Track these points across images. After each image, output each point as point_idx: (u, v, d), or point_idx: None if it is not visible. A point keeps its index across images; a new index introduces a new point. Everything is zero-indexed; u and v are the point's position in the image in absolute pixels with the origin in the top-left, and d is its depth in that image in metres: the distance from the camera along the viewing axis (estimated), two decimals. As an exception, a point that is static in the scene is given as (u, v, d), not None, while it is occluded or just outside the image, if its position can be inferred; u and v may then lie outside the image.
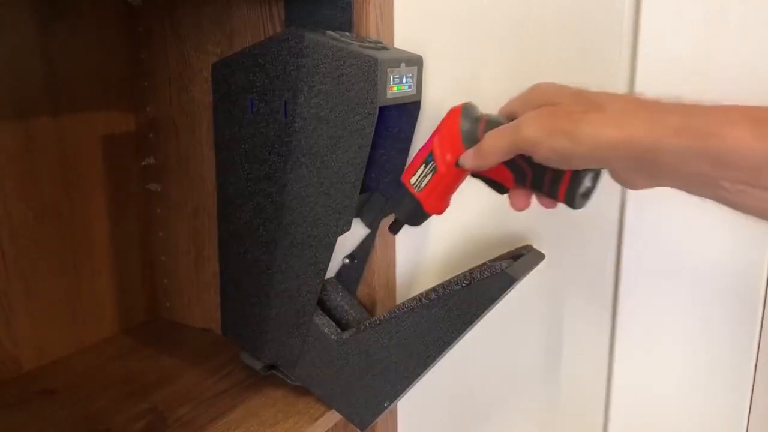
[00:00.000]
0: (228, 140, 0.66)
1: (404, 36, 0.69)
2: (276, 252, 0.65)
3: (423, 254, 0.65)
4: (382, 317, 0.61)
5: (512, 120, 0.46)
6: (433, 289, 0.57)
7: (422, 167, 0.54)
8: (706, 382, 0.62)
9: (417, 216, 0.56)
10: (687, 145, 0.37)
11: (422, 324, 0.58)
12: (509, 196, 0.51)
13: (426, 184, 0.54)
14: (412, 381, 0.60)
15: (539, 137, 0.42)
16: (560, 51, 0.62)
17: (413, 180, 0.55)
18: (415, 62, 0.59)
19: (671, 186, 0.41)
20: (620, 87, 0.60)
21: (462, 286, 0.55)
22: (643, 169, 0.40)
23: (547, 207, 0.49)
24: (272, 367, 0.71)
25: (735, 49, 0.55)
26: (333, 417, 0.68)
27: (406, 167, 0.56)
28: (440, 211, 0.56)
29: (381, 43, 0.62)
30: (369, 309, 0.73)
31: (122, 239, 0.86)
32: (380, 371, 0.61)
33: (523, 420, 0.74)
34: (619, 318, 0.64)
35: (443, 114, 0.70)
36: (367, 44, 0.58)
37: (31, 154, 0.74)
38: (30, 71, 0.73)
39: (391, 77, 0.56)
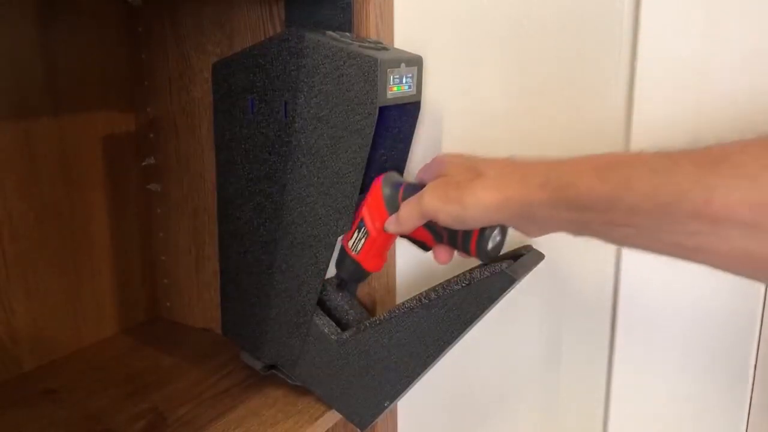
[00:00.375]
0: (228, 140, 0.66)
1: (404, 36, 0.69)
2: (276, 252, 0.65)
3: (423, 255, 0.64)
4: (381, 317, 0.61)
5: (423, 187, 0.54)
6: (433, 289, 0.57)
7: (357, 232, 0.61)
8: (705, 381, 0.62)
9: (359, 275, 0.63)
10: (550, 197, 0.44)
11: (422, 324, 0.58)
12: (433, 253, 0.58)
13: (362, 247, 0.61)
14: (412, 381, 0.60)
15: (437, 206, 0.50)
16: (560, 51, 0.62)
17: (351, 243, 0.62)
18: (415, 62, 0.59)
19: (557, 231, 0.47)
20: (620, 87, 0.60)
21: (462, 286, 0.55)
22: (526, 221, 0.48)
23: (467, 258, 0.56)
24: (272, 366, 0.71)
25: (735, 49, 0.55)
26: (333, 417, 0.68)
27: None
28: (378, 269, 0.63)
29: (381, 43, 0.62)
30: (369, 309, 0.73)
31: (122, 239, 0.86)
32: (380, 371, 0.62)
33: (523, 420, 0.74)
34: (619, 319, 0.64)
35: (443, 114, 0.70)
36: (367, 44, 0.58)
37: (32, 154, 0.74)
38: (30, 71, 0.73)
39: (391, 77, 0.56)
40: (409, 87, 0.59)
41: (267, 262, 0.66)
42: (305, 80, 0.59)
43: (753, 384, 0.61)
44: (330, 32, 0.59)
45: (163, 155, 0.85)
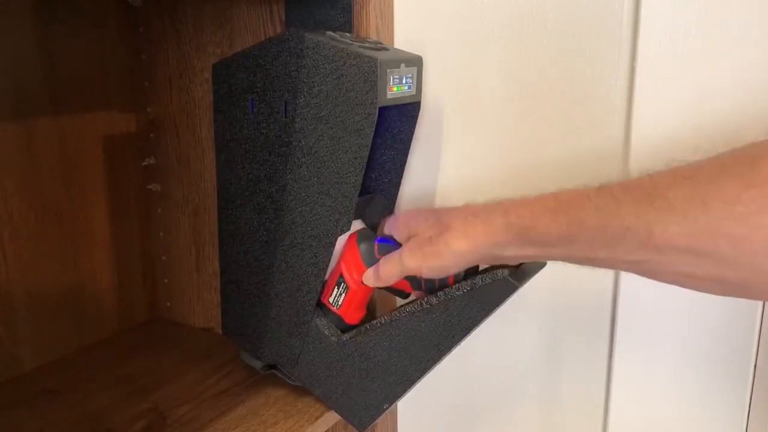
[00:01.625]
0: (228, 140, 0.66)
1: (404, 36, 0.69)
2: (276, 252, 0.65)
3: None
4: (382, 320, 0.61)
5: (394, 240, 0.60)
6: (435, 294, 0.58)
7: (336, 288, 0.64)
8: (705, 382, 0.62)
9: (340, 327, 0.65)
10: (515, 238, 0.48)
11: (422, 328, 0.58)
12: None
13: (342, 301, 0.64)
14: (412, 384, 0.60)
15: (418, 264, 0.55)
16: (560, 51, 0.62)
17: (331, 299, 0.64)
18: (415, 62, 0.59)
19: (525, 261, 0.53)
20: (620, 87, 0.60)
21: (463, 292, 0.56)
22: (497, 259, 0.53)
23: None
24: (272, 366, 0.71)
25: (734, 49, 0.55)
26: (333, 417, 0.68)
27: (322, 292, 0.64)
28: (358, 321, 0.65)
29: (381, 43, 0.62)
30: (369, 311, 0.73)
31: (123, 239, 0.86)
32: (380, 373, 0.62)
33: (523, 421, 0.74)
34: (619, 319, 0.64)
35: (443, 114, 0.70)
36: (367, 45, 0.58)
37: (32, 154, 0.74)
38: (30, 71, 0.73)
39: (391, 78, 0.56)
40: (409, 87, 0.59)
41: (267, 262, 0.66)
42: (305, 80, 0.59)
43: (753, 384, 0.61)
44: (330, 32, 0.59)
45: (163, 155, 0.85)
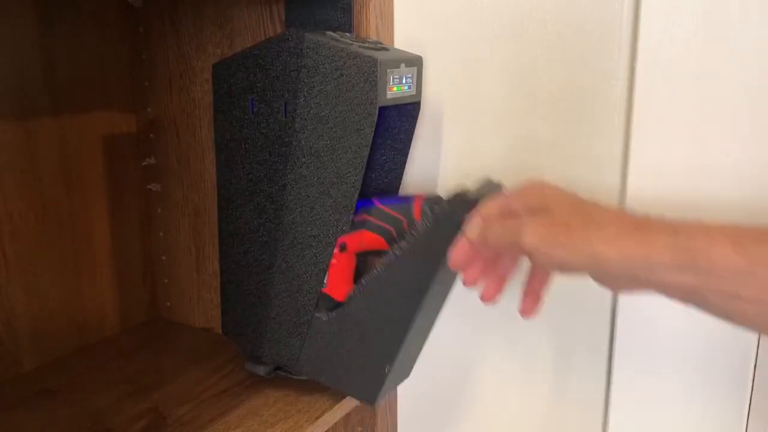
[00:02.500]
0: (228, 140, 0.66)
1: (404, 36, 0.69)
2: (276, 252, 0.65)
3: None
4: (361, 282, 0.61)
5: (508, 212, 0.50)
6: (403, 238, 0.58)
7: None
8: (705, 382, 0.62)
9: (332, 307, 0.64)
10: (676, 260, 0.42)
11: (399, 275, 0.59)
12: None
13: (327, 279, 0.63)
14: (405, 336, 0.60)
15: (538, 247, 0.46)
16: (560, 51, 0.62)
17: None
18: (415, 62, 0.59)
19: (654, 292, 0.45)
20: (620, 87, 0.60)
21: (427, 225, 0.56)
22: (632, 280, 0.45)
23: None
24: (276, 368, 0.72)
25: (734, 49, 0.55)
26: (333, 416, 0.68)
27: None
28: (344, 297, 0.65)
29: (381, 43, 0.62)
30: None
31: (123, 239, 0.86)
32: (373, 336, 0.62)
33: (524, 422, 0.74)
34: (619, 319, 0.64)
35: (443, 114, 0.70)
36: (367, 45, 0.58)
37: (32, 154, 0.74)
38: (30, 71, 0.73)
39: (391, 78, 0.57)
40: (409, 87, 0.59)
41: (267, 262, 0.66)
42: (305, 80, 0.59)
43: (753, 384, 0.61)
44: (330, 32, 0.59)
45: (163, 155, 0.85)
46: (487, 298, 0.54)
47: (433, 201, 0.59)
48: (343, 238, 0.62)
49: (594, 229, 0.44)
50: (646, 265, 0.42)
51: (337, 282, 0.64)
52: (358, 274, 0.66)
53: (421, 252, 0.57)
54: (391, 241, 0.61)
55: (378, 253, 0.64)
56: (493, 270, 0.53)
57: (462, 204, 0.53)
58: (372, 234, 0.62)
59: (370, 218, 0.61)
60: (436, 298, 0.59)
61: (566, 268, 0.46)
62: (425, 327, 0.62)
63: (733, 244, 0.40)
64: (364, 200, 0.62)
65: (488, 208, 0.51)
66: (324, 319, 0.64)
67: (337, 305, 0.65)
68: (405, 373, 0.69)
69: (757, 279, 0.39)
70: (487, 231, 0.50)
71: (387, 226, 0.61)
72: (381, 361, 0.62)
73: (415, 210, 0.59)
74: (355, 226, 0.62)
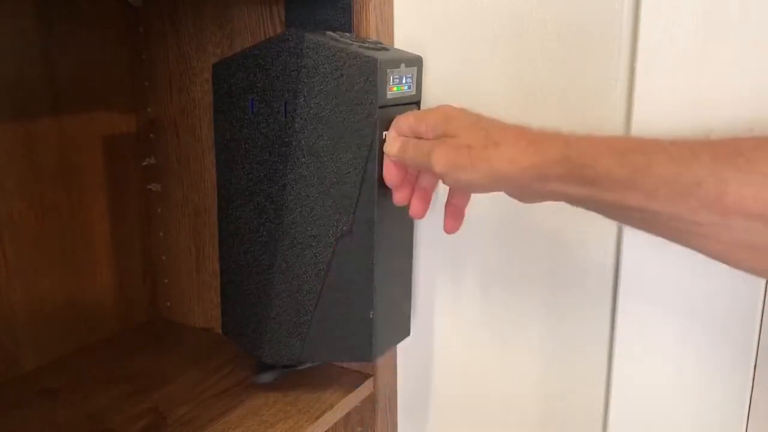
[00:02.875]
0: (228, 140, 0.66)
1: (404, 36, 0.69)
2: (276, 252, 0.65)
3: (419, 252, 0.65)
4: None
5: (418, 133, 0.54)
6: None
7: None
8: (705, 381, 0.62)
9: None
10: (567, 174, 0.44)
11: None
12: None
13: None
14: (372, 272, 0.61)
15: (445, 170, 0.50)
16: (560, 51, 0.62)
17: None
18: (415, 62, 0.59)
19: (554, 201, 0.48)
20: (620, 87, 0.60)
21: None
22: (530, 192, 0.48)
23: None
24: (285, 366, 0.72)
25: (735, 49, 0.55)
26: (333, 416, 0.68)
27: None
28: None
29: (381, 43, 0.62)
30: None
31: (123, 239, 0.86)
32: (348, 293, 0.63)
33: (523, 421, 0.74)
34: (619, 318, 0.64)
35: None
36: (367, 45, 0.59)
37: (32, 154, 0.74)
38: (30, 71, 0.73)
39: (391, 77, 0.57)
40: (409, 87, 0.59)
41: (267, 262, 0.66)
42: (305, 80, 0.59)
43: (753, 384, 0.61)
44: (330, 33, 0.59)
45: (163, 155, 0.85)
46: (416, 214, 0.58)
47: None
48: None
49: (492, 148, 0.48)
50: (541, 179, 0.46)
51: None
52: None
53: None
54: None
55: None
56: (417, 186, 0.58)
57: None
58: None
59: None
60: (392, 232, 0.59)
61: (473, 188, 0.51)
62: (397, 266, 0.62)
63: (618, 156, 0.42)
64: None
65: (402, 125, 0.55)
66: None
67: None
68: (403, 330, 0.69)
69: (640, 188, 0.41)
70: (404, 152, 0.54)
71: None
72: (364, 311, 0.63)
73: None
74: None
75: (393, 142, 0.55)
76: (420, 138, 0.54)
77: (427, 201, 0.58)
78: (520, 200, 0.50)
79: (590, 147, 0.44)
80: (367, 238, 0.60)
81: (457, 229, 0.58)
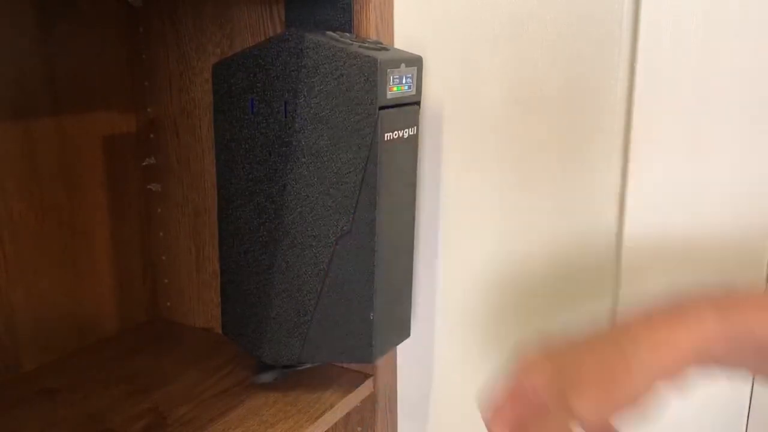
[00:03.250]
0: (228, 140, 0.66)
1: (404, 36, 0.69)
2: (276, 252, 0.65)
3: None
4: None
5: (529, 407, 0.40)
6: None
7: None
8: (705, 382, 0.62)
9: None
10: (731, 344, 0.37)
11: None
12: None
13: None
14: (372, 274, 0.61)
15: (598, 408, 0.37)
16: (560, 51, 0.62)
17: None
18: (415, 62, 0.59)
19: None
20: (620, 87, 0.60)
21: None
22: (697, 371, 0.39)
23: None
24: (285, 366, 0.72)
25: (734, 49, 0.55)
26: (333, 416, 0.68)
27: None
28: None
29: (381, 43, 0.62)
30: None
31: (123, 239, 0.86)
32: (349, 294, 0.62)
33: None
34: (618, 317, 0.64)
35: (443, 114, 0.70)
36: (367, 45, 0.58)
37: (32, 154, 0.74)
38: (30, 71, 0.73)
39: (391, 78, 0.57)
40: (409, 87, 0.59)
41: (267, 262, 0.66)
42: (305, 80, 0.59)
43: (753, 384, 0.61)
44: (330, 33, 0.59)
45: (164, 155, 0.85)
46: None
47: None
48: None
49: (630, 344, 0.38)
50: (706, 357, 0.37)
51: None
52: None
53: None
54: None
55: None
56: None
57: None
58: None
59: None
60: (393, 232, 0.59)
61: (642, 400, 0.37)
62: (398, 267, 0.61)
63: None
64: None
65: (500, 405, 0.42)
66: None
67: None
68: (403, 331, 0.69)
69: None
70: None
71: None
72: (363, 312, 0.63)
73: None
74: None
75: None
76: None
77: None
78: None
79: (747, 306, 0.37)
80: (368, 239, 0.60)
81: None
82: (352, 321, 0.64)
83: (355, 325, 0.64)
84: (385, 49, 0.59)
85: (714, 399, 0.62)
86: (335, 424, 0.70)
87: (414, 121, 0.64)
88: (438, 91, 0.68)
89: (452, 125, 0.70)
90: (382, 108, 0.57)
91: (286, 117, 0.61)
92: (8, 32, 0.71)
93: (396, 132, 0.63)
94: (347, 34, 0.63)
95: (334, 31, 0.60)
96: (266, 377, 0.72)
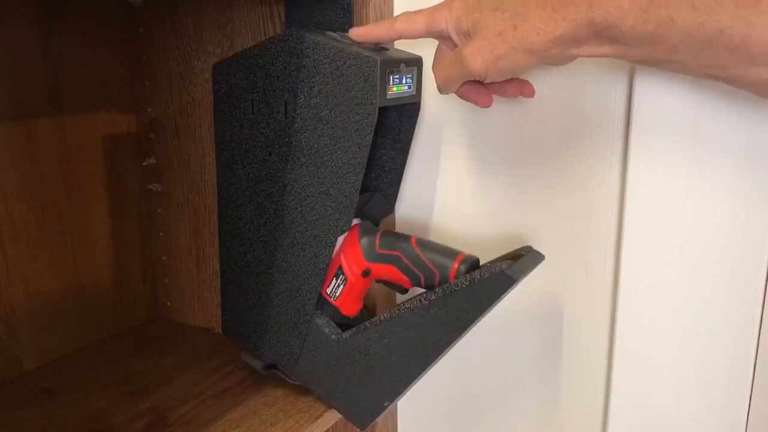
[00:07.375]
0: (228, 140, 0.66)
1: (404, 36, 0.69)
2: (276, 252, 0.65)
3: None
4: (382, 317, 0.61)
5: (436, 28, 0.52)
6: (433, 291, 0.58)
7: (334, 280, 0.64)
8: (705, 381, 0.62)
9: (337, 319, 0.65)
10: (594, 35, 0.45)
11: (422, 324, 0.58)
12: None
13: (340, 294, 0.64)
14: (412, 381, 0.60)
15: (485, 66, 0.49)
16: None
17: (329, 290, 0.65)
18: (415, 63, 0.59)
19: (590, 57, 0.48)
20: (620, 87, 0.60)
21: (462, 287, 0.56)
22: (565, 56, 0.48)
23: None
24: (272, 366, 0.72)
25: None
26: (333, 416, 0.68)
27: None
28: (355, 313, 0.66)
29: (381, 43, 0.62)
30: (369, 309, 0.73)
31: (123, 239, 0.86)
32: (380, 371, 0.62)
33: (523, 420, 0.74)
34: (618, 320, 0.64)
35: (443, 114, 0.70)
36: (367, 45, 0.58)
37: (32, 154, 0.74)
38: (31, 71, 0.73)
39: (391, 78, 0.57)
40: (409, 87, 0.59)
41: (267, 262, 0.66)
42: (305, 80, 0.59)
43: (753, 384, 0.61)
44: (330, 33, 0.59)
45: (164, 155, 0.86)
46: (484, 105, 0.58)
47: (471, 264, 0.58)
48: (369, 265, 0.62)
49: (523, 25, 0.47)
50: (573, 44, 0.46)
51: (348, 299, 0.64)
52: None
53: (449, 310, 0.57)
54: (417, 285, 0.61)
55: (397, 287, 0.64)
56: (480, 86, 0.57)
57: (501, 281, 0.54)
58: (399, 273, 0.61)
59: (403, 258, 0.61)
60: (450, 347, 0.59)
61: (516, 71, 0.50)
62: (430, 368, 0.62)
63: (641, 12, 0.42)
64: (400, 234, 0.62)
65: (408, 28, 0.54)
66: (334, 338, 0.64)
67: (344, 319, 0.65)
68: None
69: (666, 41, 0.42)
70: (439, 81, 0.54)
71: (417, 272, 0.60)
72: (382, 395, 0.63)
73: (453, 270, 0.58)
74: (385, 258, 0.62)
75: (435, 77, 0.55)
76: (441, 37, 0.54)
77: (485, 92, 0.57)
78: (554, 65, 0.51)
79: (614, 6, 0.44)
80: (429, 354, 0.59)
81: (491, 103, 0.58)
82: (365, 392, 0.63)
83: (366, 397, 0.63)
84: (385, 49, 0.59)
85: (714, 399, 0.62)
86: (335, 424, 0.70)
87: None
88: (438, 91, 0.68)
89: (452, 125, 0.70)
90: (382, 108, 0.57)
91: (286, 117, 0.61)
92: (9, 32, 0.71)
93: (396, 132, 0.64)
94: (347, 34, 0.63)
95: (334, 31, 0.60)
96: (254, 362, 0.72)
